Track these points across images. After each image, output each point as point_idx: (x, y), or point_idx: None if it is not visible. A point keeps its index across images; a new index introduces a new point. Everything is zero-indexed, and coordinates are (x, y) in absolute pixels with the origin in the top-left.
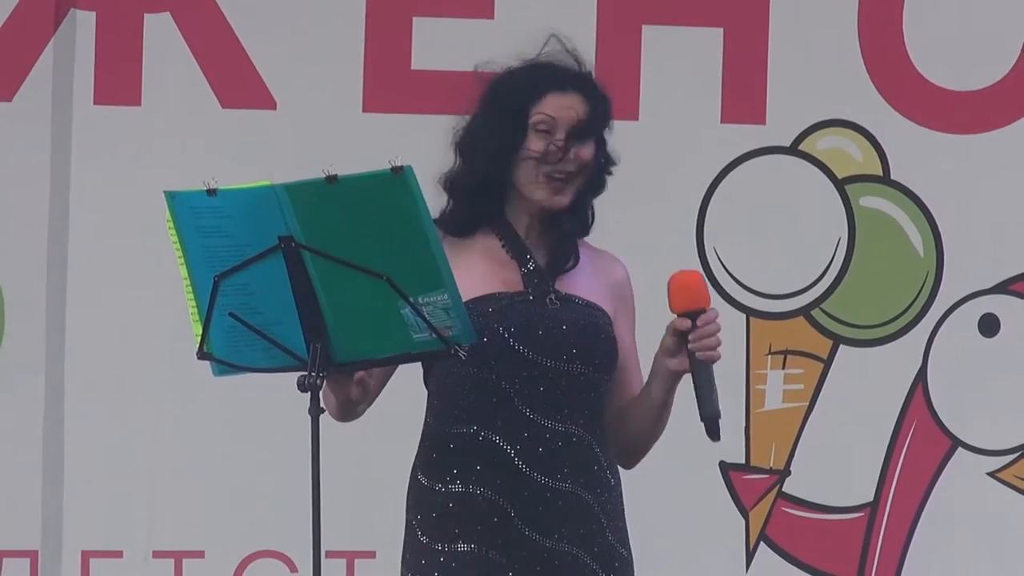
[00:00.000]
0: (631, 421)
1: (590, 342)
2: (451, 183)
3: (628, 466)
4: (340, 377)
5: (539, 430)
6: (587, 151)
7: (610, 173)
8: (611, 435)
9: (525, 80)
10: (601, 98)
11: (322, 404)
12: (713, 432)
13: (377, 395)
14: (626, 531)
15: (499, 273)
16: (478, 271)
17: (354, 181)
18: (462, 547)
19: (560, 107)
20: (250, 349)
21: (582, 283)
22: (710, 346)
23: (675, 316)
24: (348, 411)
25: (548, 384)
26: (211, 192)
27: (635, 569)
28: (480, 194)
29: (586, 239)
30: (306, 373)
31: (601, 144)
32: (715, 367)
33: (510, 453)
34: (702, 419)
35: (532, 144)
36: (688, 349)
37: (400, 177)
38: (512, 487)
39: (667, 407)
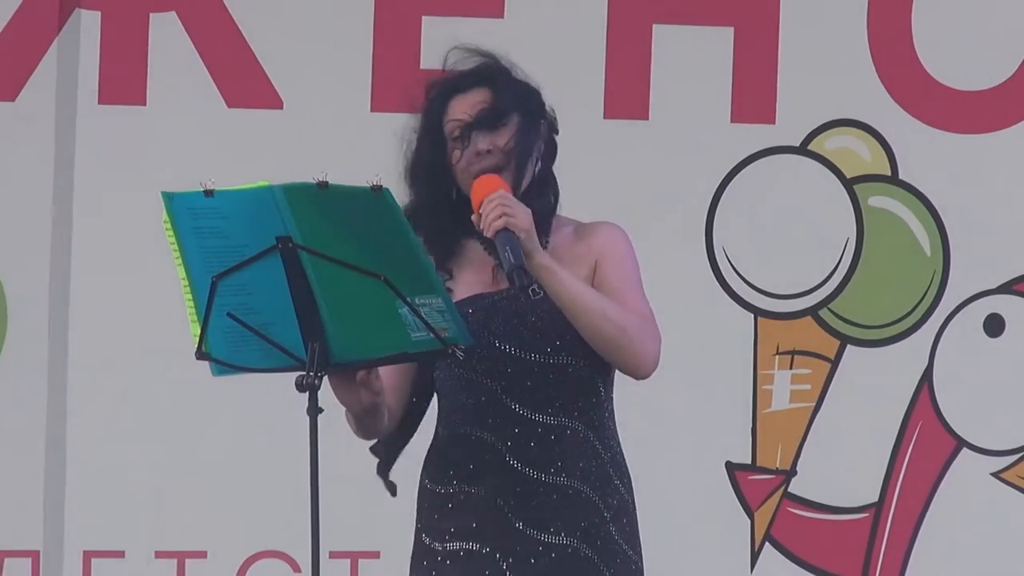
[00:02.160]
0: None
1: (576, 332)
2: (413, 214)
3: (627, 372)
4: (346, 386)
5: (530, 425)
6: (500, 137)
7: (557, 132)
8: None
9: (431, 98)
10: (505, 78)
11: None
12: (520, 281)
13: (399, 409)
14: (634, 530)
15: (481, 275)
16: (460, 278)
17: (342, 191)
18: (460, 546)
19: (465, 108)
20: (248, 349)
21: (567, 266)
22: (489, 219)
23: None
24: (368, 426)
25: (535, 378)
26: (208, 193)
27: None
28: (441, 215)
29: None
30: (304, 373)
31: (527, 116)
32: (721, 367)
33: (502, 450)
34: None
35: (453, 155)
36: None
37: (379, 196)
38: (506, 484)
39: (564, 300)
